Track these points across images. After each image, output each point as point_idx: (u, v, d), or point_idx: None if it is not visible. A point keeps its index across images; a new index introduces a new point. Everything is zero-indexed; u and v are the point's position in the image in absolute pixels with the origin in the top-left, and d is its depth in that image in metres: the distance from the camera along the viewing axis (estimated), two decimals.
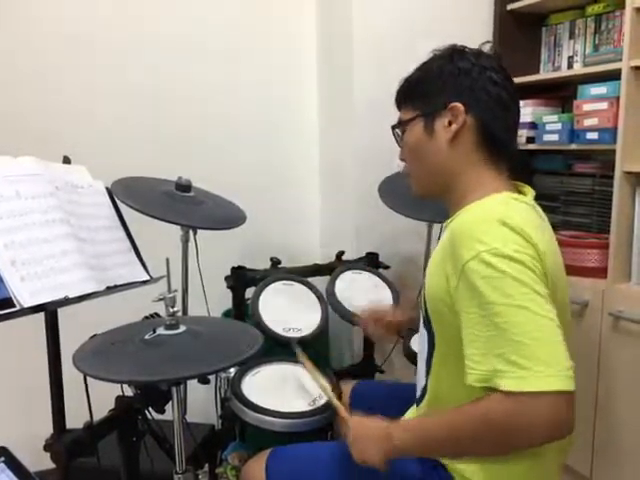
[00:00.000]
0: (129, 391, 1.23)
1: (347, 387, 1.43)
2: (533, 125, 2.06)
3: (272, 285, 1.74)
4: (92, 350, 1.11)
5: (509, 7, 2.14)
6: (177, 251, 1.68)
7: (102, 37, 1.93)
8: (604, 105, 1.75)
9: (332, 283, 1.79)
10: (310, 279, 1.84)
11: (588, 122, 1.81)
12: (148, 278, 1.31)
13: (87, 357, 1.07)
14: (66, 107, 1.90)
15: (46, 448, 1.13)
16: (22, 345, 1.64)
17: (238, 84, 2.16)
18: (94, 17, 1.92)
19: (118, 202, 1.37)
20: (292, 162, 2.31)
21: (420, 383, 1.09)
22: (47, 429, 1.19)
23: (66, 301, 1.07)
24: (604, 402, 1.70)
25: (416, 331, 1.17)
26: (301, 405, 1.39)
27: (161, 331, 1.15)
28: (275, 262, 1.90)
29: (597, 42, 1.98)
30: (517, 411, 0.81)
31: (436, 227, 1.83)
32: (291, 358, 1.55)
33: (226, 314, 1.99)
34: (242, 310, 1.83)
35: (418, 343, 1.11)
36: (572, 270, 1.62)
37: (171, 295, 1.16)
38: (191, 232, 1.67)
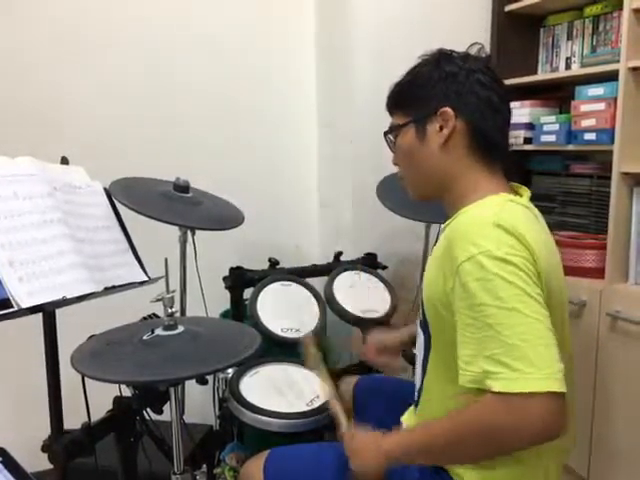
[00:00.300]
0: (127, 392, 1.23)
1: (351, 381, 1.42)
2: (530, 126, 2.06)
3: (270, 286, 1.74)
4: (90, 351, 1.11)
5: (507, 8, 2.14)
6: (175, 252, 1.68)
7: (101, 37, 1.93)
8: (602, 106, 1.75)
9: (330, 283, 1.80)
10: (308, 279, 1.84)
11: (586, 123, 1.81)
12: (146, 279, 1.31)
13: (85, 358, 1.07)
14: (64, 108, 1.90)
15: (44, 449, 1.13)
16: (20, 346, 1.64)
17: (238, 84, 2.16)
18: (93, 17, 1.92)
19: (116, 203, 1.37)
20: (290, 162, 2.31)
21: (417, 385, 1.09)
22: (45, 430, 1.19)
23: (64, 302, 1.07)
24: (601, 402, 1.71)
25: None
26: (299, 406, 1.39)
27: (159, 332, 1.15)
28: (273, 262, 1.90)
29: (595, 43, 1.98)
30: (507, 412, 0.81)
31: (434, 227, 1.83)
32: (289, 359, 1.55)
33: (224, 315, 1.98)
34: (240, 311, 1.83)
35: (416, 345, 1.11)
36: (570, 270, 1.62)
37: (169, 296, 1.16)
38: (189, 233, 1.66)
